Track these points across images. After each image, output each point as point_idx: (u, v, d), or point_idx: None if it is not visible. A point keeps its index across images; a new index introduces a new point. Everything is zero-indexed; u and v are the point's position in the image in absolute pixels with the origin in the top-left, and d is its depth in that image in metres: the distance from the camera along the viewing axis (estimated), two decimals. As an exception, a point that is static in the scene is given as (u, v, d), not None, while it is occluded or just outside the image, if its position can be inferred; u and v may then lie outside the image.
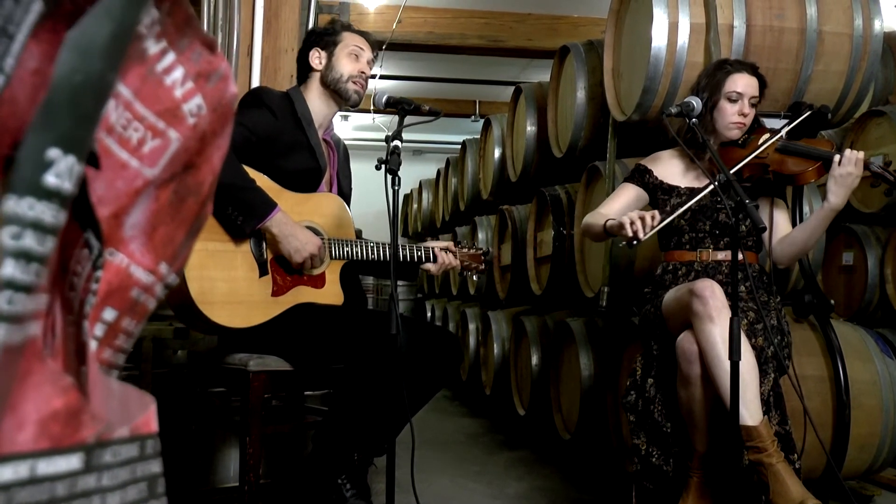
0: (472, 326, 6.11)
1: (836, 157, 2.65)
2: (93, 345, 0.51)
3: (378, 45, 3.01)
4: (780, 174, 2.79)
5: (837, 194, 2.64)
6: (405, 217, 10.21)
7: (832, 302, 3.24)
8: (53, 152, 0.40)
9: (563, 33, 6.47)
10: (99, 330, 0.52)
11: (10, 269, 0.39)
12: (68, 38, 0.41)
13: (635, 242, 2.49)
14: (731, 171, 2.53)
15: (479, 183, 6.36)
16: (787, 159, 2.79)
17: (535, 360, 4.67)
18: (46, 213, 0.40)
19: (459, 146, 7.11)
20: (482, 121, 6.63)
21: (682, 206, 2.64)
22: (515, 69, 8.34)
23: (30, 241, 0.40)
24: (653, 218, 2.49)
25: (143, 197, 0.52)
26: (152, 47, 0.51)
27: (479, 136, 6.40)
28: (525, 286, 4.98)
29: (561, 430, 4.27)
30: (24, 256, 0.40)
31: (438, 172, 8.27)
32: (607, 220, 2.68)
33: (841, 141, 4.78)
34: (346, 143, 2.99)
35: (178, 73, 0.53)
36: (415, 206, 9.63)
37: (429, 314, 7.84)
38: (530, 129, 5.02)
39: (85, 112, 0.41)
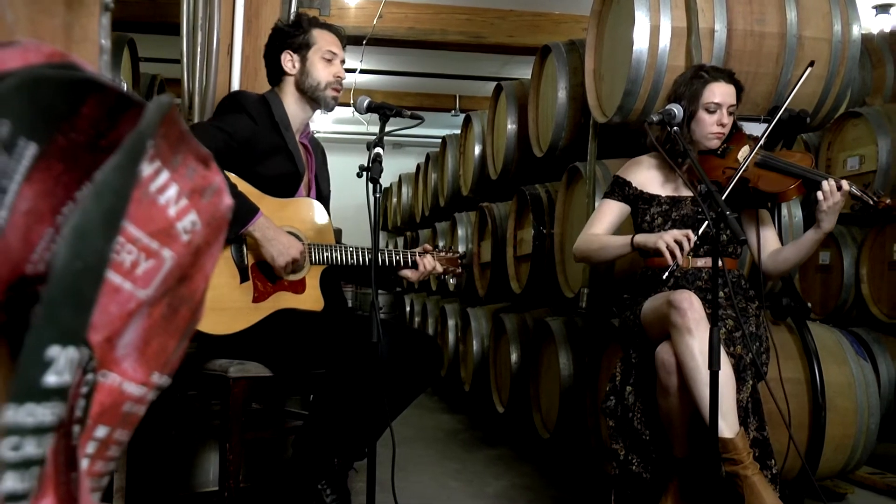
0: (451, 322, 6.11)
1: (819, 195, 2.66)
2: (84, 463, 0.51)
3: (355, 41, 2.96)
4: (761, 192, 2.80)
5: (829, 221, 2.68)
6: (384, 211, 10.18)
7: (809, 305, 3.27)
8: (54, 350, 0.40)
9: (544, 30, 6.46)
10: (91, 447, 0.52)
11: (11, 482, 0.39)
12: (68, 225, 0.41)
13: (675, 268, 2.52)
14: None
15: (459, 179, 6.35)
16: (768, 175, 2.80)
17: (514, 357, 4.69)
18: (47, 414, 0.40)
19: (439, 140, 7.10)
20: (462, 116, 6.62)
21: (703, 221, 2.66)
22: (496, 65, 8.33)
23: (30, 448, 0.40)
24: (688, 239, 2.52)
25: (136, 317, 0.52)
26: (146, 169, 0.50)
27: (458, 132, 6.40)
28: (505, 284, 4.99)
29: (540, 428, 4.29)
30: (24, 465, 0.40)
31: (418, 167, 8.25)
32: (633, 237, 2.71)
33: (819, 142, 4.81)
34: (326, 136, 2.96)
35: (172, 192, 0.53)
36: (394, 199, 9.61)
37: (408, 309, 7.84)
38: (511, 127, 5.01)
39: (85, 298, 0.41)
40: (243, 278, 2.54)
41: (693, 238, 2.55)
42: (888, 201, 2.72)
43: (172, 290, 0.55)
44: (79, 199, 0.41)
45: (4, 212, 0.44)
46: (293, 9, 3.54)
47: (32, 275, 0.45)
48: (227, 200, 0.58)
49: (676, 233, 2.55)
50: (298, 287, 2.64)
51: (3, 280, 0.44)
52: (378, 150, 2.33)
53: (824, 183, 2.66)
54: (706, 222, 2.58)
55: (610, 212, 2.94)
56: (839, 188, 2.64)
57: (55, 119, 0.45)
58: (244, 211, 2.47)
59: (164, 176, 0.52)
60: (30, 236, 0.45)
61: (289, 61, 2.76)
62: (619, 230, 3.09)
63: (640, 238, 2.67)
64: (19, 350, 0.39)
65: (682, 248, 2.51)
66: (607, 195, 2.99)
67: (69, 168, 0.47)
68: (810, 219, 2.77)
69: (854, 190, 2.71)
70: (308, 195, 2.81)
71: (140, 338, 0.54)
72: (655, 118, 2.62)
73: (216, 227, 0.57)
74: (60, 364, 0.40)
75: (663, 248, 2.52)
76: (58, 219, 0.47)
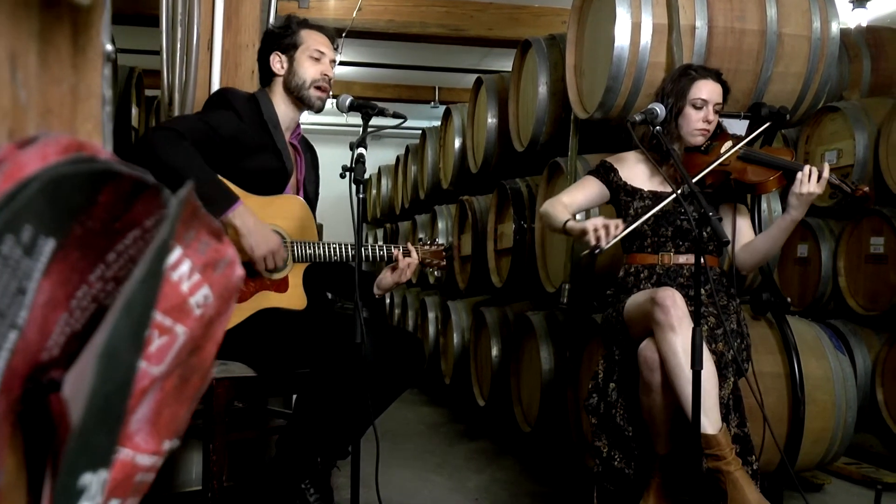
0: (431, 315, 6.11)
1: (798, 175, 2.67)
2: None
3: (338, 34, 2.96)
4: (742, 183, 2.82)
5: (799, 209, 2.69)
6: (364, 203, 10.14)
7: (788, 300, 3.30)
8: (86, 478, 0.40)
9: (523, 23, 6.46)
10: None
11: None
12: (98, 346, 0.41)
13: (597, 251, 2.50)
14: (694, 180, 2.56)
15: (438, 172, 6.34)
16: (749, 167, 2.82)
17: (494, 351, 4.69)
18: None
19: (418, 132, 7.08)
20: (442, 107, 6.60)
21: (644, 214, 2.66)
22: (476, 57, 8.32)
23: None
24: (616, 227, 2.50)
25: (149, 392, 0.52)
26: None
27: (438, 124, 6.38)
28: (485, 277, 4.99)
29: (521, 422, 4.30)
30: None
31: (398, 159, 8.23)
32: (568, 221, 2.68)
33: (797, 136, 4.85)
34: (304, 127, 2.94)
35: (184, 268, 0.53)
36: (373, 191, 9.58)
37: (388, 301, 7.83)
38: (491, 121, 5.01)
39: (116, 416, 0.41)
40: None
41: (622, 227, 2.54)
42: (865, 189, 2.74)
43: (184, 362, 0.55)
44: (107, 317, 0.41)
45: (25, 312, 0.43)
46: (273, 4, 3.52)
47: (47, 361, 0.45)
48: (239, 271, 0.58)
49: (604, 219, 2.54)
50: (281, 286, 2.63)
51: (21, 375, 0.44)
52: (361, 150, 2.32)
53: (805, 167, 2.68)
54: (686, 219, 2.60)
55: (589, 187, 2.93)
56: (819, 175, 2.65)
57: (73, 212, 0.45)
58: (223, 198, 2.42)
59: (177, 252, 0.52)
60: (46, 326, 0.45)
61: (277, 62, 2.75)
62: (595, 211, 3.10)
63: (571, 223, 2.66)
64: (33, 438, 0.39)
65: (607, 233, 2.49)
66: (591, 173, 2.98)
67: (84, 254, 0.47)
68: None
69: (833, 178, 2.73)
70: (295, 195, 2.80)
71: (152, 410, 0.54)
72: (638, 118, 2.63)
73: (228, 297, 0.57)
74: (93, 490, 0.40)
75: (589, 229, 2.51)
76: (72, 303, 0.47)
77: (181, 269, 0.53)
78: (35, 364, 0.45)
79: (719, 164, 2.77)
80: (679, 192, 2.39)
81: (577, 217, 2.85)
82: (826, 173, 2.67)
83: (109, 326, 0.41)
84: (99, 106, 0.59)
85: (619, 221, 2.54)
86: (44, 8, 0.49)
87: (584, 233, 2.53)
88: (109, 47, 0.61)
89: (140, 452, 0.54)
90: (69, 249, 0.46)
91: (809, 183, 2.65)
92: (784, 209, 2.77)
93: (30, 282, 0.44)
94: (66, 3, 0.51)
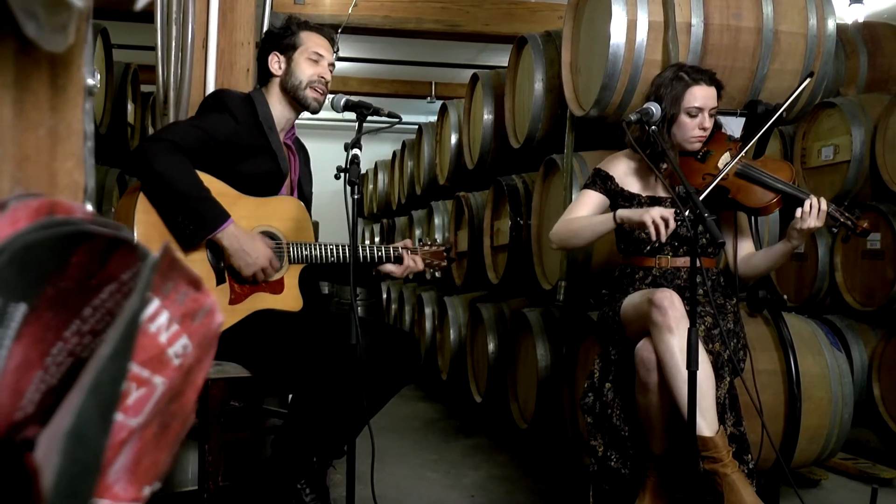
0: (427, 311, 6.11)
1: (798, 212, 2.65)
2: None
3: (333, 30, 2.97)
4: (741, 204, 2.79)
5: (800, 239, 2.70)
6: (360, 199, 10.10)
7: (785, 297, 3.29)
8: None
9: (520, 18, 6.44)
10: None
11: None
12: (63, 430, 0.41)
13: (655, 245, 2.59)
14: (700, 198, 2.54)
15: (435, 168, 6.34)
16: (748, 186, 2.78)
17: (491, 347, 4.70)
18: None
19: (414, 127, 7.08)
20: (438, 103, 6.58)
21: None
22: (472, 52, 8.30)
23: None
24: (672, 218, 2.53)
25: (127, 444, 0.52)
26: None
27: (435, 120, 6.37)
28: (482, 273, 4.99)
29: (517, 418, 4.31)
30: None
31: (394, 154, 8.22)
32: (616, 212, 2.66)
33: (794, 132, 4.84)
34: (298, 122, 2.93)
35: (162, 319, 0.53)
36: (370, 186, 9.57)
37: (385, 296, 7.83)
38: (487, 117, 5.01)
39: (84, 495, 0.40)
40: (219, 280, 2.52)
41: (673, 220, 2.55)
42: (865, 224, 2.72)
43: (164, 410, 0.55)
44: (72, 395, 0.41)
45: None
46: (268, 1, 3.51)
47: (21, 419, 0.45)
48: (218, 318, 0.58)
49: (662, 210, 2.55)
50: (277, 287, 2.62)
51: None
52: (356, 150, 2.31)
53: (806, 202, 2.65)
54: (684, 224, 2.59)
55: (591, 202, 2.89)
56: (819, 209, 2.63)
57: (45, 275, 0.45)
58: (213, 217, 2.44)
59: (155, 304, 0.52)
60: (19, 387, 0.45)
61: (275, 62, 2.75)
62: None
63: (625, 213, 2.64)
64: (8, 494, 0.38)
65: (666, 225, 2.51)
66: (588, 186, 2.94)
67: (58, 313, 0.47)
68: (786, 220, 2.78)
69: (833, 212, 2.69)
70: (290, 195, 2.80)
71: (131, 460, 0.53)
72: (633, 117, 2.60)
73: (207, 345, 0.57)
74: None
75: (648, 223, 2.51)
76: (46, 360, 0.47)
77: (159, 320, 0.53)
78: (9, 424, 0.45)
79: (720, 181, 2.70)
80: (677, 194, 2.39)
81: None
82: (825, 206, 2.65)
83: (76, 407, 0.41)
84: (80, 143, 0.58)
85: (672, 211, 2.55)
86: (20, 55, 0.48)
87: (642, 225, 2.54)
88: (91, 81, 0.60)
89: (119, 502, 0.54)
90: (41, 311, 0.46)
91: (811, 218, 2.64)
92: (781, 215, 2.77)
93: (0, 350, 0.44)
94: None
